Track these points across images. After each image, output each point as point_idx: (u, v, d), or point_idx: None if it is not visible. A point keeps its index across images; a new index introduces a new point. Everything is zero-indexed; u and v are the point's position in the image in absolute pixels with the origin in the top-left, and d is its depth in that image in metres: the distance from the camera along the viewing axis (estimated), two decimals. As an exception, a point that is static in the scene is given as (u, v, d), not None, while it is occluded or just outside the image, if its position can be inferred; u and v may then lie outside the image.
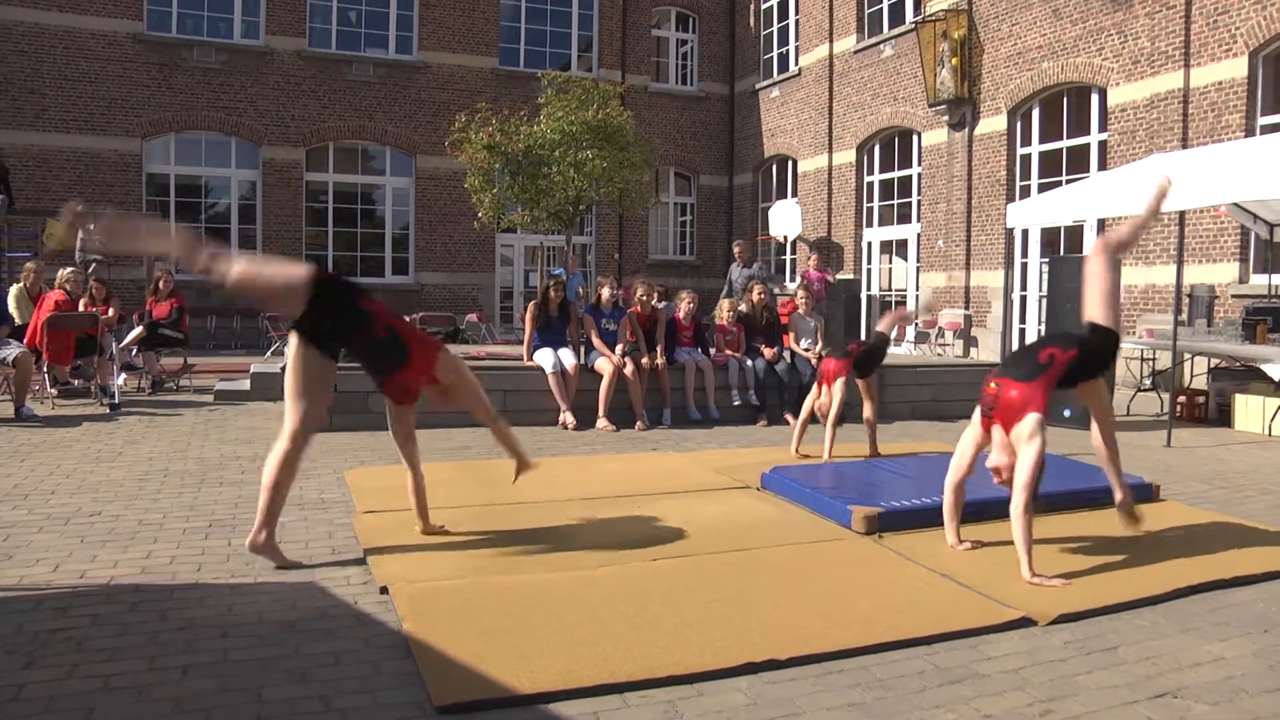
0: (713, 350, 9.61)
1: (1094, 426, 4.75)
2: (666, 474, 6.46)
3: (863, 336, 9.90)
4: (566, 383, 8.75)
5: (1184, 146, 12.20)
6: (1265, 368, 9.03)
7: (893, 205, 18.93)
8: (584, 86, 15.93)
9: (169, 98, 18.82)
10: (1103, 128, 14.05)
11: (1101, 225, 13.79)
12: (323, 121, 19.90)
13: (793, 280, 19.33)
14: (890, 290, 19.22)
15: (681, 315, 9.51)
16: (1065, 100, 14.92)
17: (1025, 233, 15.24)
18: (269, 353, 14.94)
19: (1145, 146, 12.82)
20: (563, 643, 3.29)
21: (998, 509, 5.23)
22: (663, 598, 3.76)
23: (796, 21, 21.26)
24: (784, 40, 21.86)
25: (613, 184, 15.84)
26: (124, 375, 10.46)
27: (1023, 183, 15.53)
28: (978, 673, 3.18)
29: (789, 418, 8.82)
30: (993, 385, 4.37)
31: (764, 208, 22.00)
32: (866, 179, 19.37)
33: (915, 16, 17.49)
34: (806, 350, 9.68)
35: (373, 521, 4.95)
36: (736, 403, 9.36)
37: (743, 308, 9.84)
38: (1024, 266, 15.49)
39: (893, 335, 8.64)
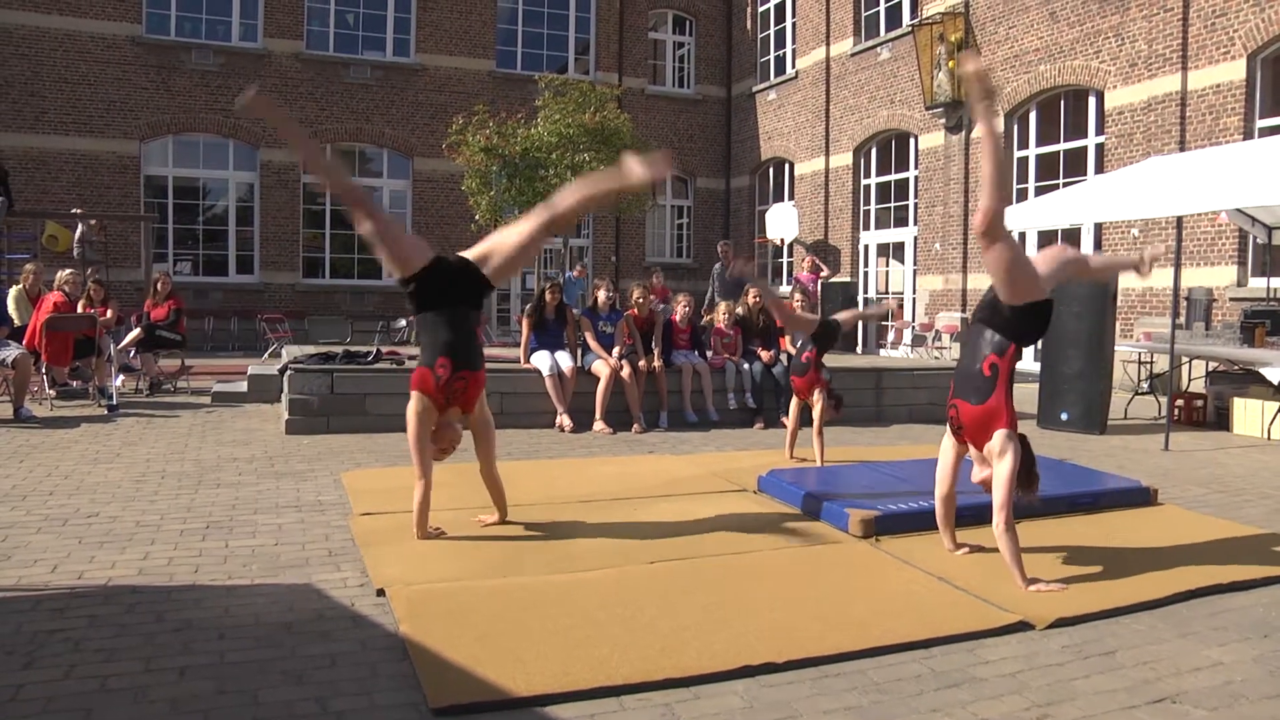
0: (709, 353, 9.61)
1: None
2: (663, 477, 6.46)
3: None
4: (563, 385, 8.75)
5: (1181, 149, 12.21)
6: (1264, 371, 9.03)
7: (890, 208, 18.95)
8: (581, 89, 15.95)
9: (167, 100, 18.82)
10: (1100, 131, 14.07)
11: (1099, 228, 13.83)
12: (320, 124, 19.89)
13: (787, 284, 19.33)
14: (887, 293, 19.22)
15: (678, 318, 9.51)
16: (1062, 103, 14.94)
17: (1023, 236, 15.24)
18: (266, 354, 14.94)
19: (1143, 149, 12.83)
20: (559, 645, 3.28)
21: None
22: (659, 601, 3.76)
23: (793, 24, 21.28)
24: (781, 43, 21.88)
25: (610, 187, 15.82)
26: (122, 377, 10.46)
27: (1020, 185, 15.54)
28: (975, 677, 3.18)
29: (785, 420, 8.82)
30: (952, 408, 4.32)
31: (761, 210, 22.02)
32: (863, 182, 19.39)
33: (912, 19, 17.51)
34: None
35: (369, 524, 4.94)
36: (733, 405, 9.36)
37: (739, 310, 9.85)
38: (1021, 269, 15.47)
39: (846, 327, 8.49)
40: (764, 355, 9.46)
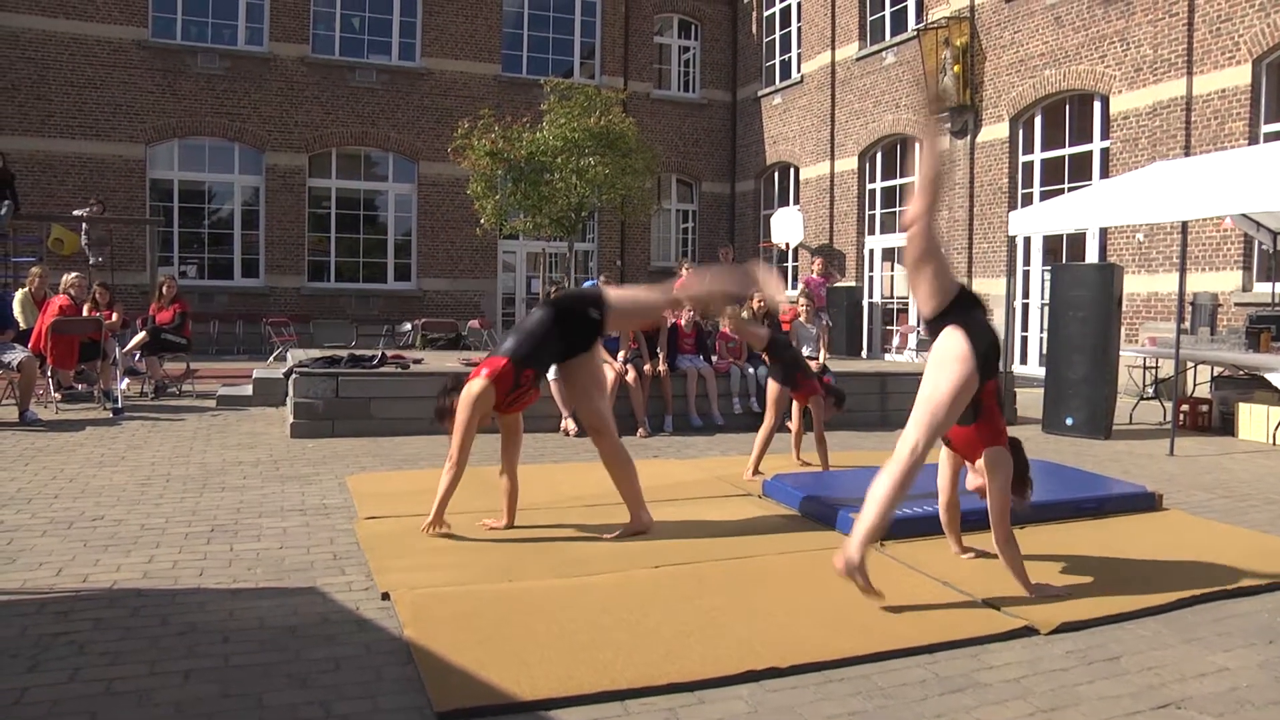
0: (714, 357, 9.60)
1: None
2: (668, 481, 6.45)
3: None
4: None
5: (1187, 154, 12.20)
6: (1269, 376, 9.02)
7: (894, 213, 18.92)
8: (586, 93, 15.97)
9: (173, 104, 18.87)
10: (1105, 135, 14.06)
11: (1103, 233, 13.82)
12: (326, 127, 19.94)
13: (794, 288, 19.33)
14: (892, 297, 19.22)
15: (683, 322, 9.51)
16: (1067, 108, 14.93)
17: (1027, 240, 15.25)
18: (271, 358, 14.96)
19: (1148, 154, 12.82)
20: (564, 649, 3.28)
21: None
22: (663, 605, 3.75)
23: (799, 29, 21.29)
24: (786, 47, 21.89)
25: (615, 191, 15.86)
26: (127, 380, 10.48)
27: (1025, 190, 15.53)
28: (979, 682, 3.17)
29: (790, 424, 8.81)
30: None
31: (766, 215, 22.02)
32: (868, 186, 19.38)
33: (917, 24, 17.52)
34: (810, 358, 9.67)
35: (374, 527, 4.94)
36: (738, 410, 9.35)
37: (744, 314, 9.83)
38: (1026, 274, 15.50)
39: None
40: (769, 360, 9.45)
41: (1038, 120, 15.40)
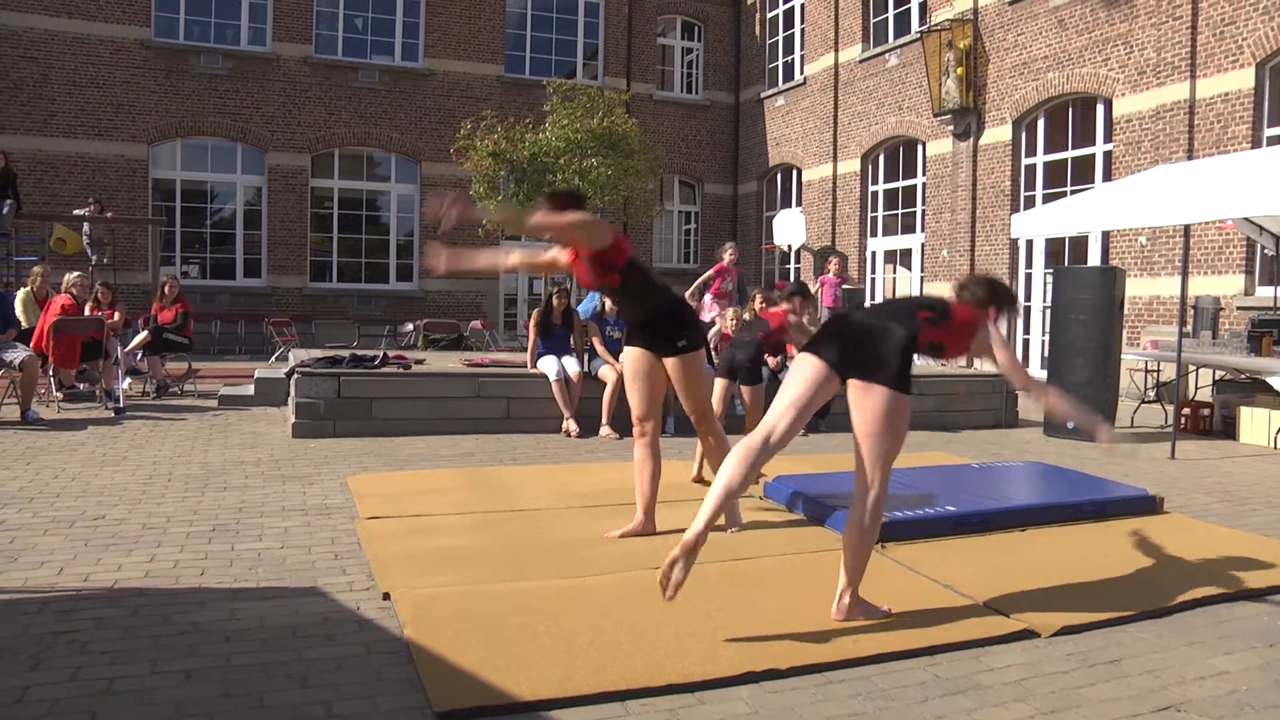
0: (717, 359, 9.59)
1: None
2: (669, 482, 6.41)
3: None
4: (570, 390, 8.76)
5: (1190, 157, 12.20)
6: (1270, 380, 9.01)
7: (897, 215, 18.94)
8: (589, 94, 16.00)
9: (176, 104, 18.89)
10: (1108, 138, 14.05)
11: (1106, 236, 13.82)
12: (328, 128, 19.96)
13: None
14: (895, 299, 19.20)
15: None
16: (1070, 110, 14.93)
17: (1030, 243, 15.25)
18: (273, 358, 14.96)
19: (1151, 157, 12.82)
20: (564, 650, 3.29)
21: (1003, 520, 5.25)
22: (664, 606, 3.74)
23: (802, 30, 21.29)
24: (789, 49, 21.90)
25: (617, 192, 15.89)
26: (129, 379, 10.48)
27: (1027, 193, 15.53)
28: (980, 684, 3.17)
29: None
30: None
31: (768, 217, 22.01)
32: (871, 188, 19.38)
33: (921, 26, 17.52)
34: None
35: (375, 527, 4.95)
36: (740, 411, 9.34)
37: (746, 316, 9.83)
38: (1028, 277, 15.49)
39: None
40: (771, 361, 9.45)
41: (1040, 123, 15.40)
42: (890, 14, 18.82)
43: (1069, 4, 14.43)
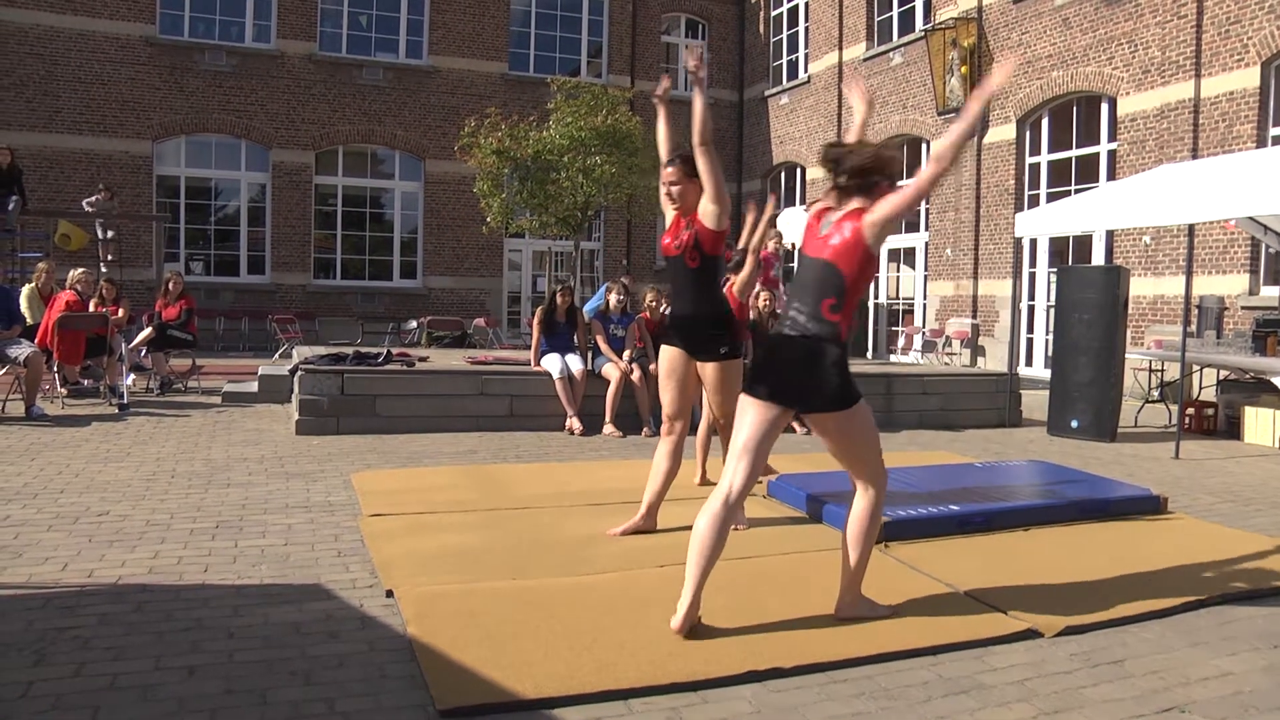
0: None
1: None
2: (674, 482, 6.43)
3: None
4: (573, 388, 8.76)
5: (1194, 157, 12.18)
6: (1275, 380, 8.99)
7: (901, 213, 18.90)
8: (593, 92, 15.98)
9: (180, 100, 18.92)
10: (1112, 137, 14.04)
11: (1110, 235, 13.80)
12: (332, 125, 19.97)
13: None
14: (899, 298, 19.21)
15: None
16: (1075, 109, 14.91)
17: (1034, 242, 15.23)
18: (277, 355, 14.98)
19: (1155, 156, 12.80)
20: (566, 648, 3.29)
21: (1006, 519, 5.24)
22: (667, 604, 3.74)
23: (806, 29, 21.29)
24: (793, 47, 21.88)
25: (621, 189, 15.87)
26: (133, 376, 10.49)
27: (1031, 192, 15.52)
28: (983, 684, 3.17)
29: (796, 425, 8.80)
30: None
31: (773, 215, 21.96)
32: (875, 187, 19.33)
33: (925, 25, 17.51)
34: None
35: (379, 525, 4.95)
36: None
37: (750, 314, 9.83)
38: (1032, 276, 15.48)
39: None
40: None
41: (1045, 122, 15.38)
42: (894, 12, 18.81)
43: (1073, 2, 14.41)
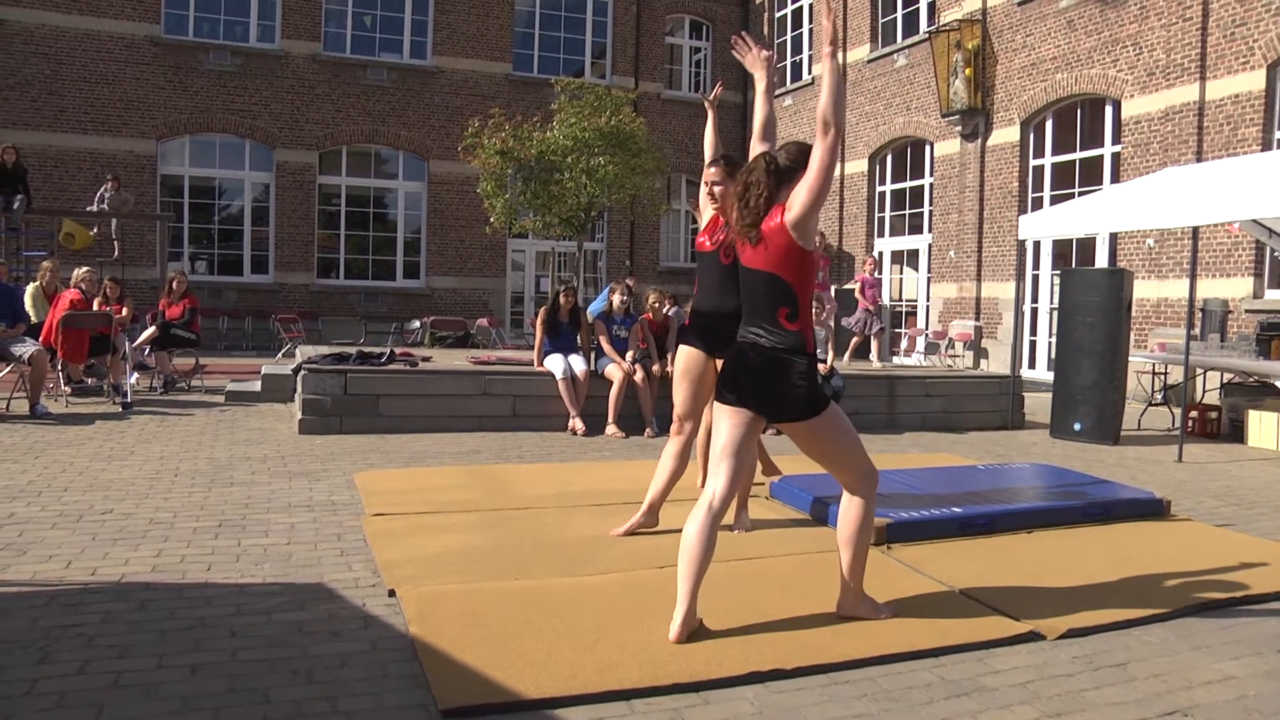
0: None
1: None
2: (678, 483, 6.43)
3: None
4: (576, 389, 8.76)
5: (1199, 160, 12.16)
6: (1279, 383, 8.98)
7: (904, 215, 18.92)
8: (597, 93, 15.98)
9: (185, 100, 18.94)
10: (1116, 140, 14.03)
11: (1114, 238, 13.79)
12: (336, 125, 19.99)
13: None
14: (902, 300, 19.19)
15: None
16: (1079, 112, 14.90)
17: (1037, 244, 15.22)
18: (280, 354, 14.99)
19: (1159, 159, 12.79)
20: (568, 648, 3.29)
21: (1008, 522, 5.24)
22: (670, 605, 3.75)
23: (810, 30, 21.28)
24: (797, 49, 21.88)
25: (625, 190, 15.88)
26: (136, 375, 10.51)
27: (1035, 194, 15.51)
28: (985, 686, 3.16)
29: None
30: None
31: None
32: (878, 189, 19.37)
33: (929, 26, 17.49)
34: (820, 360, 9.65)
35: (382, 524, 4.95)
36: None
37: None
38: (1035, 278, 15.47)
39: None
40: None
41: (1049, 124, 15.37)
42: (899, 14, 18.80)
43: (1078, 5, 14.40)
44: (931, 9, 17.74)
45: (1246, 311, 11.74)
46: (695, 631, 3.46)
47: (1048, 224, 10.58)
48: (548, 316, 9.20)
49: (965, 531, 5.08)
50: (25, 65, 17.83)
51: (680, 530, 3.48)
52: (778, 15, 22.46)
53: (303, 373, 8.45)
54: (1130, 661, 3.42)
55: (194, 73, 18.99)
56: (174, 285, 11.31)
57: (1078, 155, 14.90)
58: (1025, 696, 3.09)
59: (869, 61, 19.15)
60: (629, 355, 8.93)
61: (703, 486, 6.11)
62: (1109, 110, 14.25)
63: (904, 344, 18.26)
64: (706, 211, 5.01)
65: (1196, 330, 11.45)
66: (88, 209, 16.47)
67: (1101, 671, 3.32)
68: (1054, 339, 11.67)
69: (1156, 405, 11.12)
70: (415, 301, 20.27)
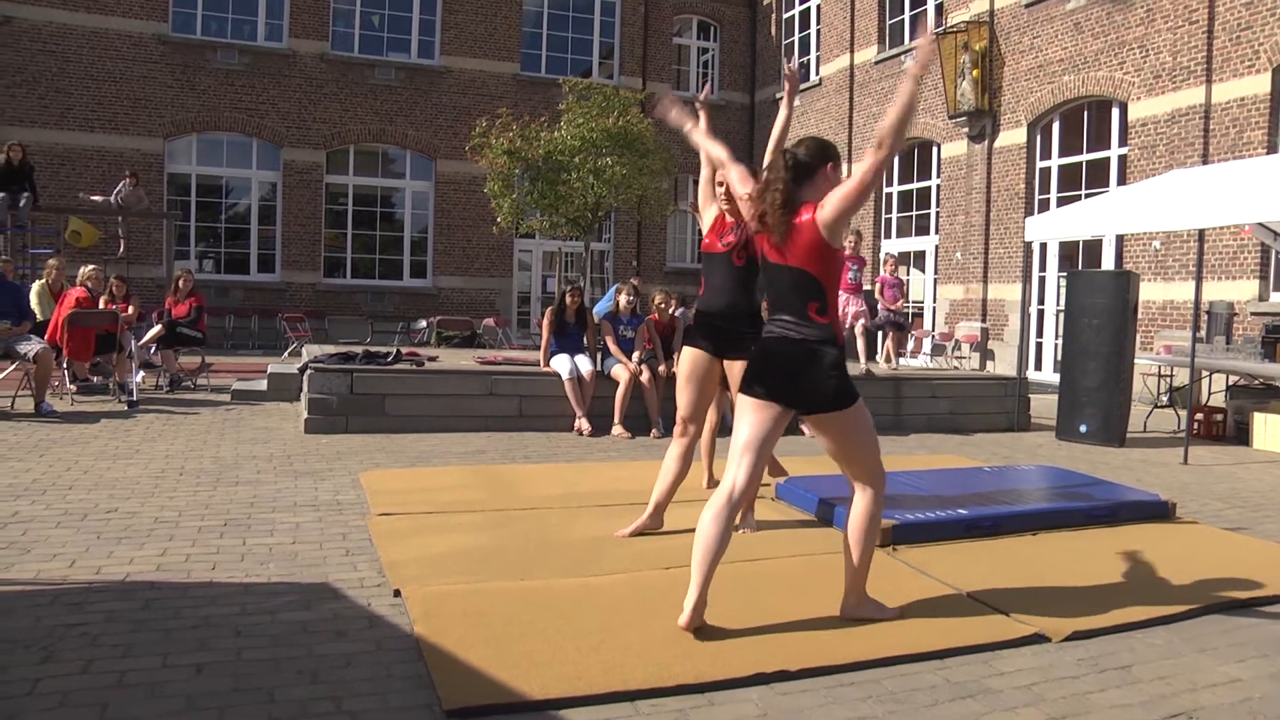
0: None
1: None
2: (682, 484, 6.43)
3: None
4: (582, 389, 8.76)
5: (1205, 162, 12.13)
6: (1285, 386, 8.97)
7: (911, 216, 18.90)
8: (604, 93, 15.98)
9: (192, 98, 18.98)
10: (1123, 142, 14.00)
11: (1120, 240, 13.76)
12: (344, 124, 20.02)
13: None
14: (908, 302, 19.14)
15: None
16: (1085, 114, 14.87)
17: (1044, 246, 15.19)
18: (286, 353, 15.02)
19: (1165, 162, 12.76)
20: (573, 649, 3.29)
21: (1014, 524, 5.23)
22: (675, 606, 3.74)
23: (818, 31, 21.27)
24: (805, 50, 21.86)
25: (632, 191, 15.87)
26: (142, 373, 10.53)
27: (1042, 196, 15.48)
28: (990, 688, 3.16)
29: (804, 428, 8.80)
30: None
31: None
32: (885, 190, 19.34)
33: (936, 28, 17.46)
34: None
35: (387, 524, 4.96)
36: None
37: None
38: (1042, 280, 15.44)
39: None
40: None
41: (1055, 126, 15.34)
42: (906, 15, 18.78)
43: (1085, 7, 14.38)
44: (939, 10, 17.71)
45: (1252, 314, 11.71)
46: (702, 629, 3.46)
47: (1054, 226, 10.56)
48: (554, 317, 9.20)
49: (971, 533, 5.07)
50: (32, 63, 17.87)
51: (684, 532, 3.49)
52: (785, 16, 22.45)
53: (309, 372, 8.46)
54: (1135, 664, 3.42)
55: (201, 71, 19.02)
56: (180, 284, 11.33)
57: (1084, 157, 14.87)
58: (1030, 698, 3.08)
59: (876, 63, 19.13)
60: (635, 356, 8.93)
61: (708, 487, 6.14)
62: (1115, 112, 14.22)
63: (910, 345, 18.22)
64: (708, 212, 5.00)
65: (1202, 333, 11.42)
66: (94, 197, 16.38)
67: (1106, 674, 3.31)
68: (1060, 341, 11.65)
69: (1162, 407, 11.09)
70: (422, 301, 20.29)
